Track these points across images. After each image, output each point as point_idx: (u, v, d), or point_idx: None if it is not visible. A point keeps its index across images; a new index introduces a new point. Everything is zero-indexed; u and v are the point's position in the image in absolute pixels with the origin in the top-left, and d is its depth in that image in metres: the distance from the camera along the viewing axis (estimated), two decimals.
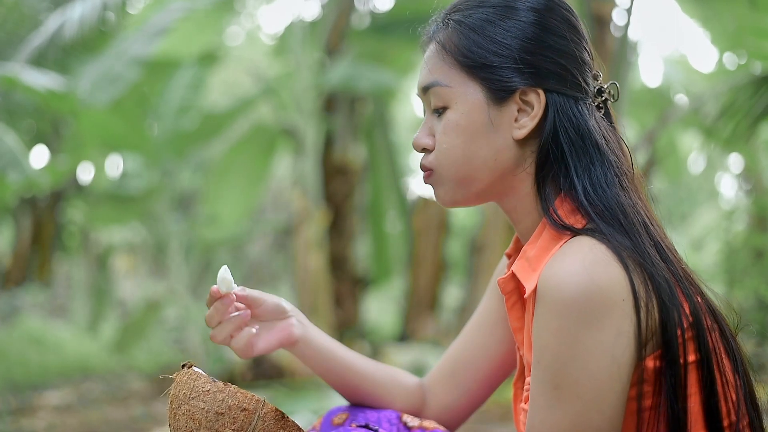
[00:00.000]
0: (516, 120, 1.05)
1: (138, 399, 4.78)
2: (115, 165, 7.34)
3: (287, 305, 1.23)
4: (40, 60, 4.89)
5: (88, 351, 6.61)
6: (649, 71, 21.97)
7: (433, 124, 1.09)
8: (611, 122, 1.10)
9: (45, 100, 4.69)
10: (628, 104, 5.38)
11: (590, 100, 1.07)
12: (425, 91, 1.09)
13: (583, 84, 1.06)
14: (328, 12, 6.34)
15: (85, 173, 7.57)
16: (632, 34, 4.56)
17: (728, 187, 10.84)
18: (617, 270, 0.93)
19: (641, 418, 0.96)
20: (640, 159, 4.98)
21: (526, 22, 1.05)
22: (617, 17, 4.75)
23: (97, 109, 5.09)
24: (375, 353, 6.33)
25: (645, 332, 0.94)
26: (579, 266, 0.93)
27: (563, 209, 1.02)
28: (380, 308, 9.96)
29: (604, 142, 1.04)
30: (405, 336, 6.92)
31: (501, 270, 1.24)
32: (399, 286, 8.27)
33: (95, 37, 5.38)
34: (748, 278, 4.69)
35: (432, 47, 1.10)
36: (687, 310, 0.97)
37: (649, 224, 1.01)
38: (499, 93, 1.04)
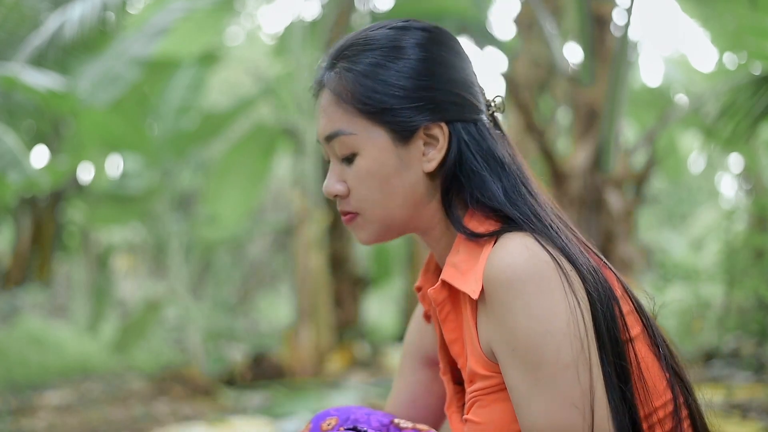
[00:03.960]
0: (424, 154, 1.08)
1: (138, 399, 4.78)
2: (115, 165, 7.34)
3: None
4: (40, 60, 4.88)
5: (88, 351, 6.61)
6: (649, 71, 21.99)
7: (342, 170, 1.10)
8: (502, 133, 1.14)
9: (45, 100, 4.69)
10: (628, 104, 5.38)
11: (486, 118, 1.11)
12: (329, 140, 1.10)
13: (478, 105, 1.10)
14: (328, 12, 6.34)
15: (85, 173, 7.57)
16: (632, 34, 4.56)
17: (728, 187, 10.85)
18: (545, 254, 0.97)
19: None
20: (640, 159, 4.98)
21: (414, 59, 1.07)
22: (617, 17, 4.76)
23: (97, 109, 5.09)
24: (375, 353, 6.33)
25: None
26: (521, 247, 0.97)
27: (473, 222, 1.06)
28: (380, 308, 9.96)
29: (505, 155, 1.08)
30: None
31: (419, 309, 1.28)
32: (399, 286, 8.27)
33: (95, 37, 5.37)
34: (748, 278, 4.69)
35: (327, 96, 1.10)
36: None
37: (559, 222, 1.06)
38: (404, 133, 1.07)
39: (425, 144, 1.08)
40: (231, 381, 5.32)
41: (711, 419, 1.09)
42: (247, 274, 10.42)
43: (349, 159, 1.09)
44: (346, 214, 1.12)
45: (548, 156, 4.61)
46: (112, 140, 5.79)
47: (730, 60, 5.97)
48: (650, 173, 4.72)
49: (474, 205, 1.06)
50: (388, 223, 1.10)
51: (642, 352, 1.01)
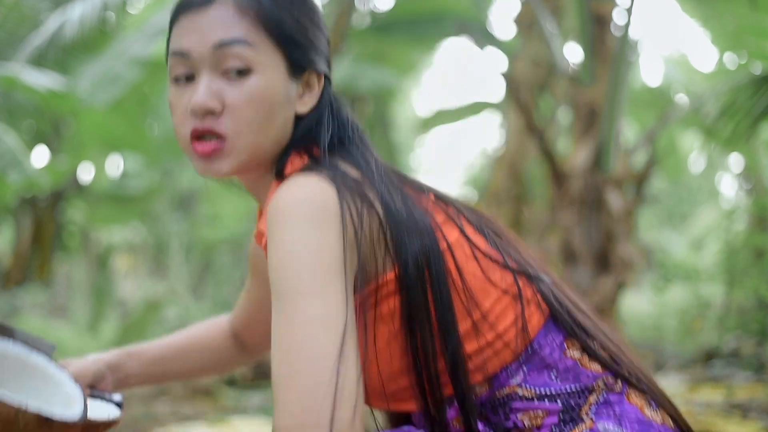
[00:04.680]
0: (300, 96, 1.10)
1: (138, 399, 4.78)
2: (115, 165, 7.35)
3: (101, 366, 1.32)
4: (40, 60, 4.88)
5: (88, 351, 6.60)
6: (649, 71, 22.01)
7: (221, 87, 1.04)
8: None
9: (45, 100, 4.69)
10: (628, 104, 5.38)
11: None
12: (222, 46, 1.03)
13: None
14: (328, 12, 6.35)
15: (85, 173, 7.57)
16: (632, 34, 4.56)
17: (728, 186, 10.86)
18: (330, 189, 0.98)
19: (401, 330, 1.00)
20: (640, 159, 4.98)
21: (312, 8, 1.12)
22: (617, 17, 4.76)
23: (97, 109, 5.10)
24: None
25: (367, 245, 0.98)
26: (293, 187, 0.98)
27: (294, 164, 1.08)
28: None
29: (349, 116, 1.14)
30: None
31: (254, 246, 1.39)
32: None
33: (95, 37, 5.38)
34: (748, 278, 4.69)
35: (229, 6, 1.05)
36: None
37: (387, 170, 1.09)
38: (297, 69, 1.08)
39: (303, 87, 1.10)
40: (231, 381, 5.32)
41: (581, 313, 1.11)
42: (246, 274, 10.44)
43: (239, 73, 1.04)
44: (208, 134, 1.04)
45: (548, 156, 4.62)
46: (112, 140, 5.80)
47: (730, 60, 5.98)
48: (650, 173, 4.72)
49: (301, 150, 1.09)
50: (256, 155, 1.07)
51: (460, 259, 1.03)
